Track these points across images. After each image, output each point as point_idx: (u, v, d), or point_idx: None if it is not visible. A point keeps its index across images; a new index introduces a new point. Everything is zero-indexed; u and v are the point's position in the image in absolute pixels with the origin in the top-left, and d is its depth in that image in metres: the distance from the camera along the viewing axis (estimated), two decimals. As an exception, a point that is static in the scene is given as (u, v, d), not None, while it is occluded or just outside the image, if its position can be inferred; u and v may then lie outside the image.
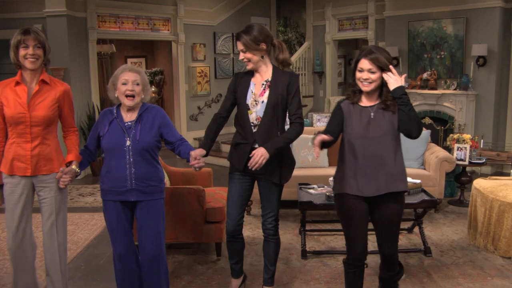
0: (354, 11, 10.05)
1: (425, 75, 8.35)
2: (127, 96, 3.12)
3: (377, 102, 3.06)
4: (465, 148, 5.98)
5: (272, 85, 3.32)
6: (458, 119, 7.98)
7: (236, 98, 3.41)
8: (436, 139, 7.63)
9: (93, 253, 4.72)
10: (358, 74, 3.01)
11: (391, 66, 2.96)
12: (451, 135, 6.35)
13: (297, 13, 12.58)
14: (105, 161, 3.21)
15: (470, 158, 6.02)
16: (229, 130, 7.32)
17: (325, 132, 3.03)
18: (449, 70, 8.20)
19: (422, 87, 8.43)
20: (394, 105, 3.00)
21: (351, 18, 10.23)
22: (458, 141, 6.08)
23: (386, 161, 3.01)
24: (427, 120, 7.94)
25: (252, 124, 3.36)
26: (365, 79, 2.97)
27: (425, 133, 6.13)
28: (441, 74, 8.30)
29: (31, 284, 3.34)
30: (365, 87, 2.99)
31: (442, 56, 8.24)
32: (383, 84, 3.01)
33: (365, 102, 3.08)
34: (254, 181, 3.53)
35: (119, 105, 3.23)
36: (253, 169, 3.18)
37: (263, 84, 3.35)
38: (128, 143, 3.11)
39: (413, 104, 8.45)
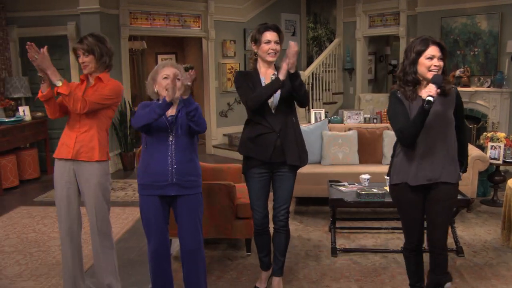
0: (385, 7, 9.93)
1: (458, 72, 8.19)
2: (168, 90, 3.13)
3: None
4: (499, 146, 5.87)
5: None
6: (491, 117, 7.81)
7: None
8: (469, 137, 7.49)
9: (125, 246, 4.79)
10: (427, 62, 2.93)
11: None
12: (484, 133, 6.24)
13: (327, 9, 12.50)
14: (146, 156, 3.25)
15: (504, 157, 5.90)
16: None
17: (403, 127, 2.96)
18: (483, 67, 8.03)
19: (454, 84, 8.25)
20: (450, 88, 3.01)
21: (382, 14, 10.11)
22: (492, 139, 5.97)
23: (443, 148, 3.02)
24: (460, 118, 7.80)
25: (272, 113, 3.45)
26: (436, 66, 2.93)
27: (458, 131, 6.03)
28: (475, 71, 8.14)
29: (76, 252, 3.53)
30: (430, 75, 2.93)
31: (476, 53, 8.09)
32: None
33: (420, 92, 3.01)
34: (270, 177, 3.60)
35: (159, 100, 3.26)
36: (290, 63, 3.21)
37: (271, 78, 3.42)
38: (171, 138, 3.18)
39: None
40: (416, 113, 2.89)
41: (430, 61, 2.94)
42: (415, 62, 2.98)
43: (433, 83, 2.86)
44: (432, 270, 3.22)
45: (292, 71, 3.25)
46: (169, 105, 3.06)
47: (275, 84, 3.31)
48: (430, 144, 2.99)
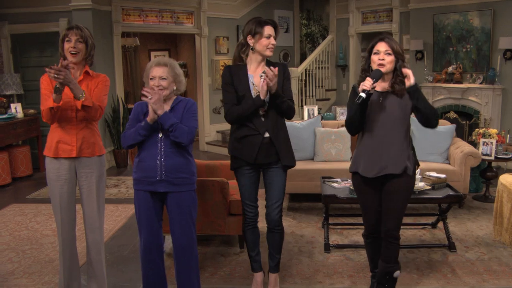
0: (378, 3, 9.95)
1: (450, 69, 8.22)
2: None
3: (388, 88, 3.20)
4: (491, 143, 5.90)
5: None
6: (483, 113, 7.86)
7: (236, 91, 3.42)
8: (461, 133, 7.53)
9: (118, 243, 4.78)
10: (374, 57, 3.14)
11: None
12: (477, 129, 6.27)
13: (320, 6, 12.51)
14: (138, 151, 3.28)
15: (496, 153, 5.93)
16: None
17: (347, 118, 3.27)
18: (475, 63, 8.06)
19: (447, 81, 8.32)
20: (402, 89, 3.13)
21: (375, 11, 10.13)
22: (484, 135, 5.99)
23: (393, 143, 3.17)
24: (452, 115, 7.85)
25: (260, 115, 3.41)
26: (380, 60, 3.10)
27: (450, 127, 6.06)
28: (467, 68, 8.17)
29: (74, 249, 3.52)
30: (382, 68, 3.10)
31: (468, 49, 8.11)
32: (395, 70, 3.16)
33: (377, 87, 3.20)
34: (260, 173, 3.59)
35: None
36: (269, 83, 3.23)
37: (261, 76, 3.36)
38: (161, 134, 3.19)
39: (438, 98, 8.42)
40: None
41: (376, 56, 3.13)
42: (368, 59, 3.22)
43: (371, 77, 3.05)
44: (383, 259, 3.34)
45: (272, 91, 3.27)
46: (151, 126, 3.14)
47: (257, 103, 3.33)
48: (380, 139, 3.17)
